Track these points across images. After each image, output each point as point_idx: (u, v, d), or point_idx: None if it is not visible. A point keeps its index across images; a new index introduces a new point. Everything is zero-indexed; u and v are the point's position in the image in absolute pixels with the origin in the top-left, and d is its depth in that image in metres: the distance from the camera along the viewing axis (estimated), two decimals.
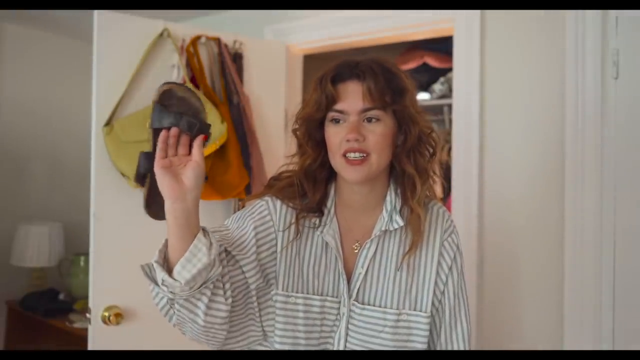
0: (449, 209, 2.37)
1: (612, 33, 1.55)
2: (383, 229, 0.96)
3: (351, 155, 0.91)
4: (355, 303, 0.95)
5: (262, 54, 2.01)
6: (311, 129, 0.97)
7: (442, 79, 2.76)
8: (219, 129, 1.68)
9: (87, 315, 1.62)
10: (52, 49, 2.91)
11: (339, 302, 0.96)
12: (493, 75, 1.76)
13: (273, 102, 2.02)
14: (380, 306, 0.95)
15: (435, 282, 0.98)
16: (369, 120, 0.92)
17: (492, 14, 1.76)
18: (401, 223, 0.96)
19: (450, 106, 2.44)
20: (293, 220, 0.98)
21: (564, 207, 1.61)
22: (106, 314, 1.61)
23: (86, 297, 1.66)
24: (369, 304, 0.95)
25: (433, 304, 0.97)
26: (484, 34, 1.77)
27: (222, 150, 1.72)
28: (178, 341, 1.72)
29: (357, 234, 0.99)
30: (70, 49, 2.94)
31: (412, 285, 0.97)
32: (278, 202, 1.00)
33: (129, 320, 1.65)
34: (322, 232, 0.97)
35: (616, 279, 1.54)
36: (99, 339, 1.62)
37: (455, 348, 0.99)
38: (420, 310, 0.96)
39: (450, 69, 2.40)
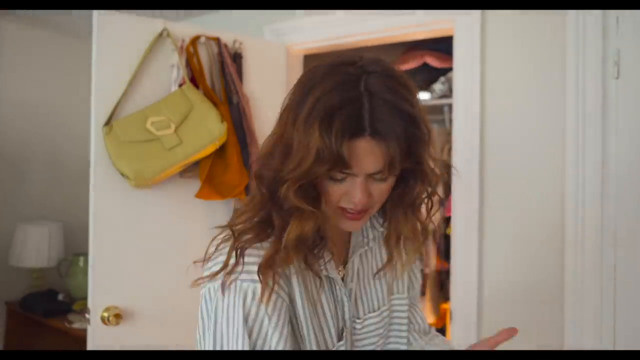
0: (449, 209, 2.36)
1: (613, 33, 1.54)
2: (363, 248, 0.91)
3: (352, 210, 0.78)
4: (356, 320, 0.89)
5: (262, 54, 2.00)
6: (307, 187, 0.75)
7: (442, 79, 2.76)
8: (218, 129, 1.67)
9: (87, 315, 1.62)
10: (52, 49, 2.91)
11: (345, 329, 0.88)
12: (493, 75, 1.76)
13: (273, 102, 2.00)
14: (376, 310, 0.92)
15: (409, 269, 0.99)
16: (377, 178, 0.76)
17: (492, 14, 1.76)
18: (380, 228, 0.92)
19: (450, 106, 2.44)
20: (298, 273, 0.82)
21: (564, 207, 1.61)
22: (105, 314, 1.61)
23: (85, 298, 1.65)
24: (366, 314, 0.91)
25: (410, 279, 0.99)
26: (484, 34, 1.77)
27: (221, 150, 1.72)
28: (177, 341, 1.72)
29: (334, 249, 0.88)
30: (70, 49, 2.93)
31: (392, 277, 0.96)
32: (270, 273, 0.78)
33: (128, 320, 1.65)
34: (324, 269, 0.84)
35: (617, 277, 1.53)
36: (98, 339, 1.62)
37: (420, 322, 1.03)
38: (402, 293, 0.97)
39: (450, 69, 2.39)
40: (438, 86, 2.75)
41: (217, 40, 1.85)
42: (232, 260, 0.76)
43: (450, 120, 2.37)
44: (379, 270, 0.92)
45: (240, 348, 0.74)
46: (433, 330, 1.06)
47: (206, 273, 0.79)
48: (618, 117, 1.53)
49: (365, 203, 0.76)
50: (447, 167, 2.59)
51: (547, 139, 1.66)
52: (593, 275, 1.55)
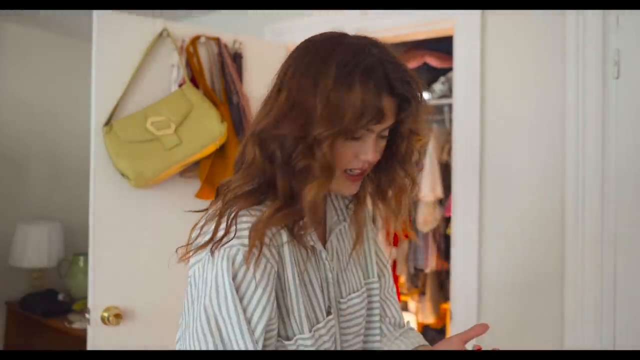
0: (449, 209, 2.37)
1: (613, 33, 1.55)
2: (342, 224, 0.96)
3: (355, 171, 0.84)
4: (340, 300, 0.92)
5: (262, 54, 2.00)
6: (336, 143, 0.78)
7: (442, 79, 2.77)
8: (218, 129, 1.67)
9: (86, 315, 1.62)
10: (52, 49, 2.91)
11: (332, 308, 0.91)
12: (493, 75, 1.76)
13: None
14: (357, 290, 0.95)
15: (374, 251, 1.02)
16: (381, 136, 0.83)
17: (492, 14, 1.76)
18: (350, 205, 0.97)
19: (450, 106, 2.45)
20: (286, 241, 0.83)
21: (564, 207, 1.61)
22: (105, 314, 1.61)
23: (85, 298, 1.65)
24: (350, 295, 0.94)
25: (379, 267, 1.02)
26: (484, 34, 1.77)
27: (222, 150, 1.72)
28: None
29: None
30: (70, 49, 2.94)
31: (365, 259, 1.00)
32: (268, 237, 0.80)
33: (128, 320, 1.65)
34: (311, 240, 0.87)
35: (617, 278, 1.53)
36: (98, 339, 1.62)
37: (395, 315, 1.03)
38: (373, 277, 1.00)
39: (450, 69, 2.40)
40: (438, 86, 2.76)
41: (217, 40, 1.85)
42: (221, 232, 0.77)
43: (450, 120, 2.37)
44: (352, 250, 0.94)
45: (231, 311, 0.74)
46: (409, 324, 1.06)
47: (192, 259, 0.80)
48: (618, 117, 1.53)
49: (374, 160, 0.82)
50: (447, 167, 2.59)
51: (547, 139, 1.66)
52: (593, 275, 1.56)
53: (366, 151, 0.81)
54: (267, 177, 0.81)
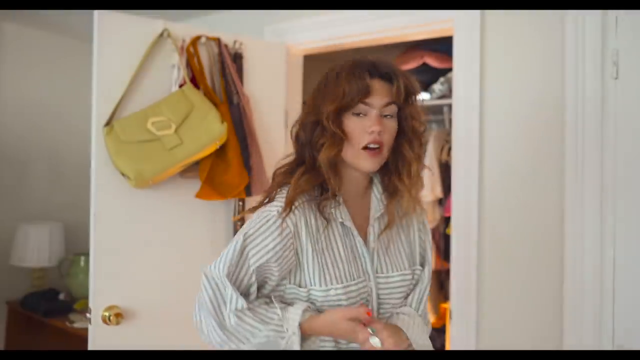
0: (448, 209, 2.37)
1: (612, 33, 1.55)
2: (381, 211, 1.12)
3: (372, 145, 1.03)
4: (380, 275, 1.09)
5: (262, 54, 2.01)
6: (338, 120, 1.03)
7: (442, 79, 2.76)
8: (218, 129, 1.68)
9: (87, 315, 1.62)
10: (52, 49, 2.91)
11: (366, 280, 1.08)
12: (493, 75, 1.76)
13: (273, 102, 2.02)
14: (398, 271, 1.12)
15: (419, 243, 1.21)
16: (385, 116, 1.04)
17: (492, 14, 1.77)
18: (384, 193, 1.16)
19: (450, 106, 2.45)
20: (311, 214, 1.06)
21: (564, 207, 1.61)
22: (106, 314, 1.61)
23: (86, 297, 1.66)
24: (390, 273, 1.11)
25: (421, 256, 1.21)
26: (484, 34, 1.77)
27: (222, 150, 1.73)
28: (177, 341, 1.73)
29: (357, 217, 1.12)
30: (70, 49, 2.94)
31: (410, 248, 1.18)
32: (291, 206, 1.04)
33: (129, 320, 1.65)
34: (339, 217, 1.07)
35: (616, 278, 1.54)
36: (99, 339, 1.62)
37: (413, 303, 1.17)
38: (420, 264, 1.20)
39: (450, 69, 2.40)
40: (438, 86, 2.76)
41: (218, 40, 1.85)
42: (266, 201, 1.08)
43: (450, 120, 2.37)
44: (382, 231, 1.12)
45: (230, 248, 1.02)
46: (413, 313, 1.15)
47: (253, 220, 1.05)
48: (617, 117, 1.54)
49: (381, 131, 1.02)
50: (447, 167, 2.59)
51: (547, 139, 1.67)
52: (593, 275, 1.56)
53: (370, 124, 1.02)
54: (300, 159, 1.08)
